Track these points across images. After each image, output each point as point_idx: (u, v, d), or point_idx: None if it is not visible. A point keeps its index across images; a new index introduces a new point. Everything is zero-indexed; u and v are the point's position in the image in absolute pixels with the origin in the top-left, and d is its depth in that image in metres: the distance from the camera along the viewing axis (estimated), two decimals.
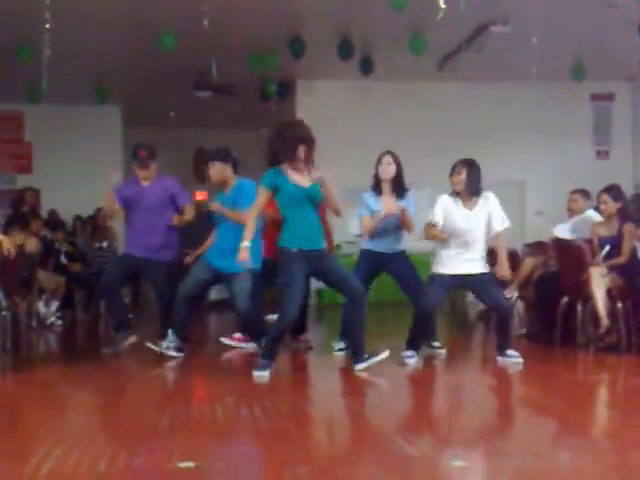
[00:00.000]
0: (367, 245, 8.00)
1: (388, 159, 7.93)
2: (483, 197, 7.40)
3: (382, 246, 7.93)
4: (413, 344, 7.58)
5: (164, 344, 7.94)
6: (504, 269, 7.39)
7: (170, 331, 7.94)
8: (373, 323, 8.53)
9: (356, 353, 7.04)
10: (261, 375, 6.71)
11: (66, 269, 12.71)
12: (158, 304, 8.56)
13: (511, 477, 3.96)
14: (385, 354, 7.04)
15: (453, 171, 7.43)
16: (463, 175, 7.36)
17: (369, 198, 7.95)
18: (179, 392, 6.69)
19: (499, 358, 7.43)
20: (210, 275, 7.91)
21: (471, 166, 7.40)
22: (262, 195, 6.84)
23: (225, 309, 11.86)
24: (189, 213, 8.30)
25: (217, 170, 7.93)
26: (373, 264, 7.97)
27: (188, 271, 8.10)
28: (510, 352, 7.41)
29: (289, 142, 6.77)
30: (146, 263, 8.24)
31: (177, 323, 7.95)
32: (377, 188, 7.96)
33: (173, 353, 7.88)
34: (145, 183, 8.35)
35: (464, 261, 7.35)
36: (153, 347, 7.99)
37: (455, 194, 7.41)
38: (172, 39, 11.58)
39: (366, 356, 6.98)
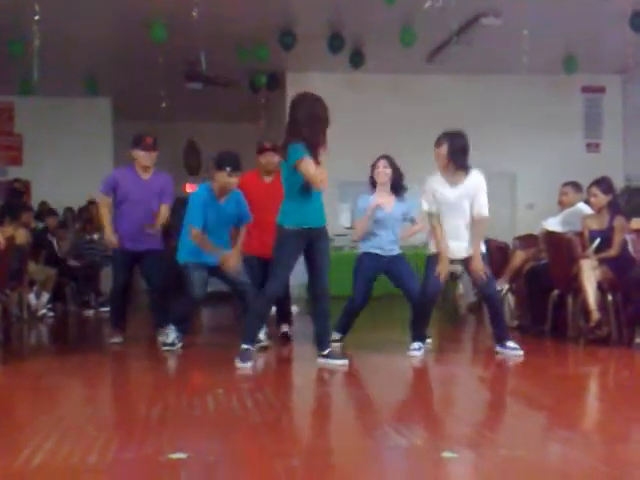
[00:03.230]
0: (365, 248, 7.93)
1: (384, 163, 7.93)
2: (471, 175, 7.29)
3: (380, 249, 7.88)
4: (419, 335, 7.52)
5: (169, 339, 7.96)
6: (477, 262, 7.26)
7: (172, 327, 7.97)
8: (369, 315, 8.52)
9: (319, 344, 7.00)
10: (244, 366, 6.74)
11: (58, 261, 12.69)
12: (152, 294, 8.54)
13: (501, 469, 3.97)
14: (344, 362, 6.88)
15: (435, 145, 7.34)
16: (444, 149, 7.24)
17: (364, 199, 7.93)
18: (170, 384, 6.68)
19: (498, 348, 7.43)
20: (207, 272, 7.94)
21: (453, 138, 7.25)
22: (312, 164, 6.59)
23: (217, 302, 11.87)
24: (163, 217, 8.29)
25: (237, 180, 7.80)
26: (373, 267, 7.89)
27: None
28: (510, 344, 7.37)
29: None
30: (141, 255, 8.25)
31: (182, 320, 8.00)
32: (373, 190, 7.97)
33: (178, 342, 7.96)
34: (145, 176, 8.29)
35: (458, 244, 7.32)
36: (164, 344, 8.00)
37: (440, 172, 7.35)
38: (162, 30, 11.56)
39: (327, 352, 6.91)
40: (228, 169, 7.60)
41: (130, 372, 7.48)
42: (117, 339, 8.44)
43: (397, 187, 7.97)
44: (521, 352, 7.29)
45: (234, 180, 7.70)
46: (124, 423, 5.07)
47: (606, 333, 8.01)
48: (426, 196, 7.36)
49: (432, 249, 7.40)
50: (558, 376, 6.84)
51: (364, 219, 7.81)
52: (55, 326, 11.17)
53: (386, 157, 7.96)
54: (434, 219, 7.35)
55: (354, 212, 7.94)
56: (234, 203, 7.81)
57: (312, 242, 6.86)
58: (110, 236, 8.25)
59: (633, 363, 7.40)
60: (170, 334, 7.92)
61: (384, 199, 7.86)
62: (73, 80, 15.02)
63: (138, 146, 8.23)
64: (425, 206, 7.38)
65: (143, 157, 8.23)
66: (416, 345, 7.46)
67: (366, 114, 15.32)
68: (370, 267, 7.88)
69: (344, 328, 7.96)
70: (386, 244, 7.89)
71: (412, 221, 8.07)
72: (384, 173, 7.90)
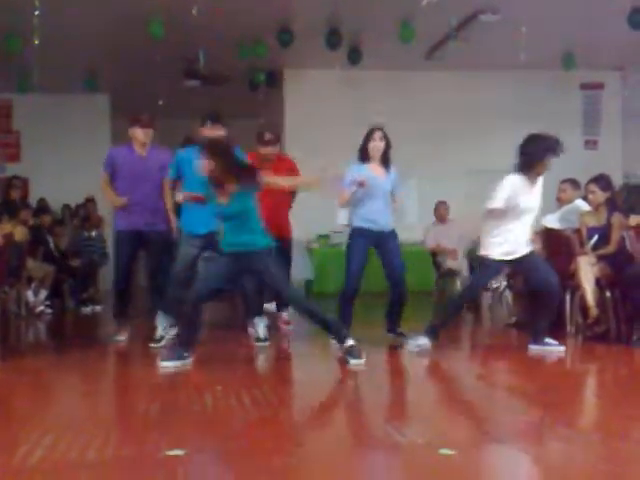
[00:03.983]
0: (358, 223, 7.83)
1: (379, 135, 7.87)
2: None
3: (373, 223, 7.78)
4: (434, 333, 7.49)
5: (161, 331, 7.93)
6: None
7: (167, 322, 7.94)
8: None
9: (331, 333, 6.97)
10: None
11: (55, 258, 12.68)
12: (151, 277, 8.38)
13: (499, 466, 3.97)
14: (361, 362, 6.70)
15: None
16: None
17: (355, 168, 7.82)
18: (168, 380, 6.68)
19: (532, 347, 7.43)
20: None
21: None
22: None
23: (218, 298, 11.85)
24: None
25: (221, 133, 7.83)
26: (365, 241, 7.78)
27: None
28: (549, 340, 7.40)
29: None
30: (144, 236, 8.12)
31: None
32: (365, 160, 7.88)
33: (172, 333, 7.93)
34: (142, 152, 8.26)
35: (522, 242, 7.38)
36: (156, 343, 7.95)
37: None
38: (160, 27, 11.55)
39: (345, 348, 6.77)
40: (209, 123, 8.06)
41: (128, 368, 7.48)
42: (121, 337, 8.40)
43: (387, 160, 7.93)
44: (562, 348, 7.38)
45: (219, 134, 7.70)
46: (122, 420, 5.07)
47: (604, 330, 8.02)
48: (502, 192, 7.23)
49: (490, 253, 7.36)
50: (556, 373, 6.85)
51: (350, 189, 7.65)
52: (53, 323, 11.15)
53: (381, 129, 7.91)
54: (491, 215, 7.28)
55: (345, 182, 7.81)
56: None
57: None
58: (114, 197, 8.21)
59: (632, 360, 7.40)
60: (159, 327, 7.95)
61: (378, 171, 7.82)
62: (71, 77, 15.00)
63: (136, 124, 8.33)
64: (497, 203, 7.20)
65: (140, 133, 8.30)
66: (424, 340, 7.39)
67: (364, 111, 15.27)
68: (363, 243, 7.79)
69: (345, 321, 7.77)
70: (379, 217, 7.80)
71: (393, 198, 8.00)
72: (379, 147, 7.85)
